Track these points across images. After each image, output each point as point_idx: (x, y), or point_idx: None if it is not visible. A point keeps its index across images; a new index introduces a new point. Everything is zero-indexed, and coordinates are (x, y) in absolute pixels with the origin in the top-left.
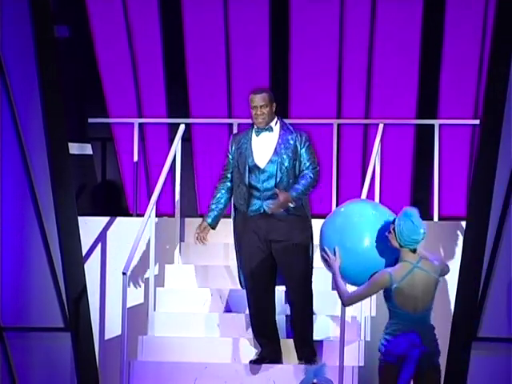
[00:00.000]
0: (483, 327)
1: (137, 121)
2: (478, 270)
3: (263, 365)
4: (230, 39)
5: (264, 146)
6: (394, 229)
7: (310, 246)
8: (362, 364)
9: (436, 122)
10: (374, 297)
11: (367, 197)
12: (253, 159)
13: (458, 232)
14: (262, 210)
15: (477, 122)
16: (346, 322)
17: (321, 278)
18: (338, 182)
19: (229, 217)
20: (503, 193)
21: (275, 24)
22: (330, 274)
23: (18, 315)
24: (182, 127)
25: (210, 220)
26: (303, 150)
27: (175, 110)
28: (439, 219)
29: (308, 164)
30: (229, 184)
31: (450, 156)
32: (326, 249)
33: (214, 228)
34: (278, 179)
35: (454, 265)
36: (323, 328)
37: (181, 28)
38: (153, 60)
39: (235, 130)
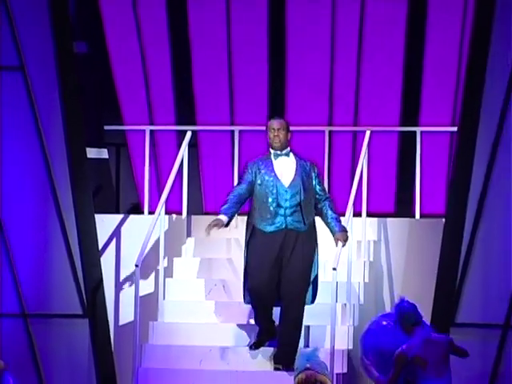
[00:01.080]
0: (460, 314)
1: (148, 128)
2: (456, 262)
3: (261, 348)
4: (232, 55)
5: (285, 169)
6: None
7: (315, 258)
8: (350, 347)
9: (418, 129)
10: (361, 285)
11: (355, 198)
12: (278, 179)
13: (438, 228)
14: (284, 226)
15: (455, 129)
16: (336, 309)
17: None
18: (329, 184)
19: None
20: (478, 192)
21: (273, 42)
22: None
23: (40, 303)
24: (188, 134)
25: (223, 213)
26: (316, 178)
27: (183, 118)
28: (421, 217)
29: (323, 194)
30: (243, 188)
31: (431, 160)
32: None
33: (227, 225)
34: (300, 198)
35: (434, 258)
36: (316, 315)
37: (188, 45)
38: (163, 73)
39: (237, 136)
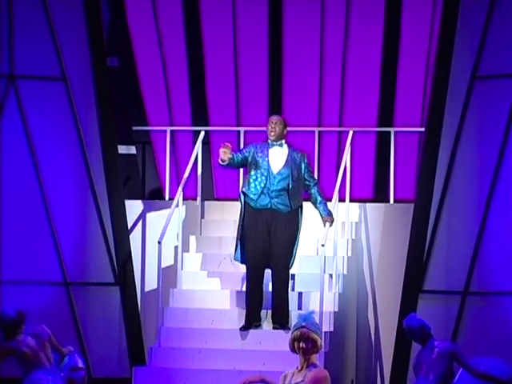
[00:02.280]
0: (427, 283)
1: (169, 128)
2: (423, 239)
3: (263, 310)
4: (239, 69)
5: (277, 157)
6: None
7: (297, 235)
8: (336, 310)
9: (392, 130)
10: (345, 259)
11: (340, 186)
12: (269, 165)
13: (409, 211)
14: (269, 206)
15: (423, 129)
16: (324, 278)
17: (306, 244)
18: (318, 175)
19: (236, 200)
20: (442, 182)
21: (272, 56)
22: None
23: (79, 273)
24: (202, 133)
25: (232, 153)
26: (305, 167)
27: (197, 120)
28: (394, 202)
29: (311, 180)
30: (243, 156)
31: (403, 155)
32: None
33: (227, 164)
34: (287, 184)
35: (406, 236)
36: (308, 283)
37: (202, 58)
38: (181, 82)
39: (242, 136)
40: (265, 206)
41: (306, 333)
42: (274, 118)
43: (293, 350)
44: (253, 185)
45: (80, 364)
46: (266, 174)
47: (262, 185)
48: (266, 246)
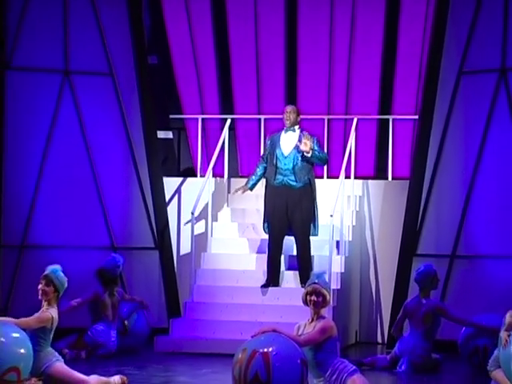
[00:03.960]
0: (420, 247)
1: (200, 116)
2: (417, 210)
3: (282, 270)
4: (260, 66)
5: (288, 142)
6: None
7: (314, 210)
8: (343, 271)
9: (391, 117)
10: (350, 227)
11: (346, 166)
12: (281, 149)
13: (405, 187)
14: (283, 183)
15: (416, 117)
16: (332, 244)
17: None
18: (328, 157)
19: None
20: (433, 162)
21: (289, 52)
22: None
23: (125, 239)
24: (228, 121)
25: (250, 185)
26: (315, 145)
27: (224, 109)
28: (392, 179)
29: (320, 150)
30: (262, 167)
31: (400, 138)
32: None
33: (251, 190)
34: (293, 163)
35: (402, 207)
36: (319, 248)
37: (228, 55)
38: (210, 77)
39: (263, 123)
40: (280, 182)
41: (318, 288)
42: (289, 108)
43: (305, 302)
44: (271, 166)
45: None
46: (279, 156)
47: (277, 166)
48: (284, 217)
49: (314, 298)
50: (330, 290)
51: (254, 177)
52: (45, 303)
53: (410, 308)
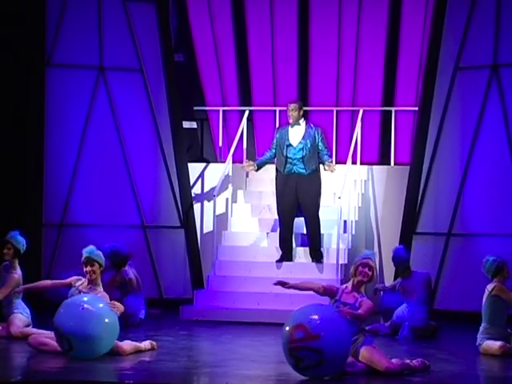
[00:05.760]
0: (419, 226)
1: (221, 108)
2: (416, 193)
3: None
4: (275, 63)
5: (296, 134)
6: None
7: (319, 193)
8: (349, 247)
9: (393, 109)
10: (356, 208)
11: (353, 153)
12: (289, 141)
13: (406, 172)
14: (293, 171)
15: (416, 108)
16: (340, 223)
17: (327, 197)
18: (336, 144)
19: (273, 163)
20: (431, 149)
21: (301, 49)
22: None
23: (153, 219)
24: (246, 112)
25: (257, 162)
26: (319, 140)
27: (243, 101)
28: (395, 165)
29: (323, 148)
30: (271, 153)
31: (401, 128)
32: None
33: (256, 170)
34: (303, 153)
35: (403, 190)
36: (328, 227)
37: (246, 53)
38: (230, 72)
39: (277, 115)
40: (289, 171)
41: (372, 264)
42: (290, 106)
43: (353, 273)
44: (280, 157)
45: None
46: (288, 148)
47: (286, 156)
48: (294, 200)
49: (366, 270)
50: (376, 267)
51: (262, 158)
52: (93, 283)
53: (405, 282)
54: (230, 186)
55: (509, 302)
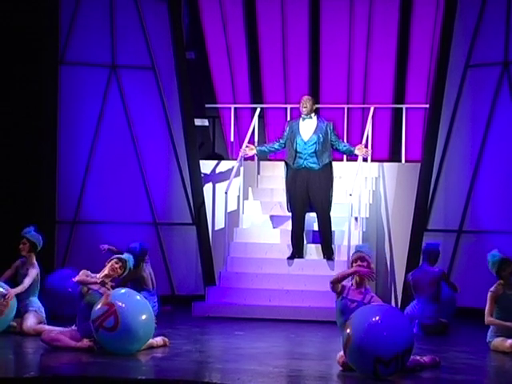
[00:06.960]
0: (430, 223)
1: (233, 106)
2: (427, 190)
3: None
4: (286, 61)
5: (307, 128)
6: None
7: (331, 188)
8: (360, 244)
9: (404, 106)
10: (367, 205)
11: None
12: (300, 135)
13: (416, 169)
14: (304, 166)
15: (427, 106)
16: (351, 220)
17: (338, 194)
18: (347, 141)
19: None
20: (442, 147)
21: (312, 49)
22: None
23: (165, 216)
24: (258, 110)
25: (257, 148)
26: (331, 132)
27: (255, 98)
28: (406, 162)
29: (336, 139)
30: (279, 144)
31: (412, 125)
32: None
33: (257, 154)
34: (315, 147)
35: (414, 187)
36: (339, 223)
37: (258, 51)
38: (242, 70)
39: (289, 112)
40: (300, 166)
41: (362, 254)
42: (305, 97)
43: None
44: (291, 151)
45: None
46: (299, 142)
47: (297, 150)
48: (305, 196)
49: (359, 263)
50: (372, 260)
51: (267, 145)
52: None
53: (416, 277)
54: (241, 183)
55: None
